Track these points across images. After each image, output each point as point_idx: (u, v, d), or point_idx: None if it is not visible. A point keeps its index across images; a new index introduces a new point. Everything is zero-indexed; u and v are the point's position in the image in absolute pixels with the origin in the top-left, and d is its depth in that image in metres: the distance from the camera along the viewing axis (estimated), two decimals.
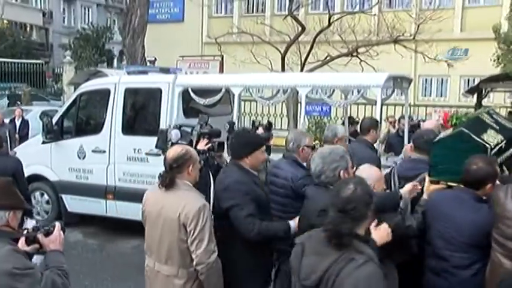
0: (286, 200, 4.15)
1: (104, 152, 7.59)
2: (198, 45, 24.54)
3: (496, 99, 16.54)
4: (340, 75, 8.23)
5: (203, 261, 3.28)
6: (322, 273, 2.33)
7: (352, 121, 8.17)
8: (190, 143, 5.00)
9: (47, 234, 2.73)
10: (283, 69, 13.48)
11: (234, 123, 6.30)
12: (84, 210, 7.80)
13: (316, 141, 12.19)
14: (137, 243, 7.52)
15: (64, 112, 8.19)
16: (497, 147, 3.53)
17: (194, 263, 3.30)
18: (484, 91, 11.87)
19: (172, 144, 5.03)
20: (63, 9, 36.34)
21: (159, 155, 6.92)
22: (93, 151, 7.66)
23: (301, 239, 2.55)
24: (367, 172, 3.52)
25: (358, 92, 6.70)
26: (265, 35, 16.72)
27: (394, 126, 10.06)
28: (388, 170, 4.35)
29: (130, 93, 7.68)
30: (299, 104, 8.93)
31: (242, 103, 10.22)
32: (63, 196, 7.96)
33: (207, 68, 16.80)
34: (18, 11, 31.27)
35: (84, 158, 7.76)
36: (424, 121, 9.57)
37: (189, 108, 7.43)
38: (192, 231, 3.26)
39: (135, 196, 7.33)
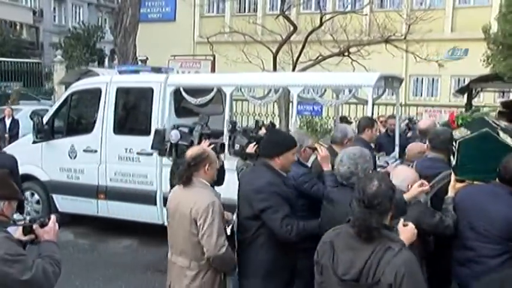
0: None
1: (96, 151, 7.57)
2: (190, 44, 24.52)
3: (486, 99, 16.67)
4: (332, 74, 8.25)
5: (213, 254, 3.46)
6: (362, 266, 2.44)
7: (345, 121, 8.17)
8: (191, 144, 5.00)
9: (42, 225, 2.88)
10: (275, 68, 13.50)
11: (235, 123, 6.29)
12: (75, 210, 7.77)
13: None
14: (129, 243, 7.52)
15: (55, 111, 8.15)
16: None
17: (205, 255, 3.48)
18: (474, 91, 11.94)
19: (171, 144, 5.01)
20: (54, 8, 36.09)
21: (151, 154, 6.93)
22: (85, 151, 7.63)
23: (328, 238, 2.65)
24: (405, 173, 3.62)
25: (350, 91, 6.72)
26: (257, 35, 16.74)
27: (384, 126, 10.10)
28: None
29: (121, 92, 7.65)
30: (291, 104, 8.95)
31: (234, 103, 10.21)
32: (54, 196, 7.92)
33: (198, 67, 16.78)
34: (7, 9, 30.99)
35: (75, 157, 7.73)
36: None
37: (180, 107, 7.42)
38: (201, 226, 3.45)
39: (127, 196, 7.36)
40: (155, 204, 7.14)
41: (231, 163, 6.65)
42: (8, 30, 30.61)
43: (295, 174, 4.17)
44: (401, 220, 2.87)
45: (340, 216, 3.18)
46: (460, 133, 4.24)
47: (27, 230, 2.85)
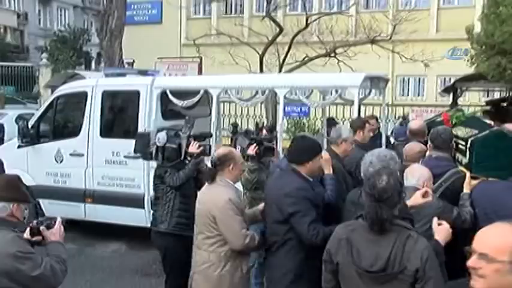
0: None
1: (82, 155, 7.52)
2: (177, 46, 24.44)
3: (471, 98, 16.84)
4: (318, 75, 8.29)
5: (239, 246, 3.71)
6: (388, 256, 2.57)
7: (332, 122, 8.19)
8: (179, 146, 4.96)
9: (49, 227, 3.07)
10: (261, 70, 13.52)
11: (237, 125, 6.29)
12: (63, 215, 7.60)
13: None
14: (116, 247, 7.48)
15: (40, 115, 8.09)
16: None
17: (231, 247, 3.72)
18: (459, 90, 12.07)
19: (158, 147, 4.97)
20: (39, 11, 35.79)
21: (138, 157, 6.90)
22: (71, 154, 7.58)
23: (343, 234, 2.74)
24: (420, 171, 3.68)
25: (336, 92, 6.76)
26: (243, 37, 16.75)
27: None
28: None
29: (108, 95, 7.62)
30: (278, 105, 8.97)
31: (221, 104, 10.20)
32: (41, 201, 7.85)
33: (185, 69, 16.72)
34: None
35: (61, 161, 7.68)
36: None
37: (167, 110, 7.40)
38: (222, 222, 3.70)
39: (115, 199, 7.32)
40: (143, 207, 7.11)
41: None
42: None
43: None
44: (435, 219, 3.02)
45: None
46: (462, 132, 4.47)
47: (35, 231, 3.00)
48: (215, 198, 3.76)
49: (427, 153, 4.52)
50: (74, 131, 7.76)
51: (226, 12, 25.88)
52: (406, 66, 16.27)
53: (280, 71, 13.42)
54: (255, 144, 5.03)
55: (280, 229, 3.67)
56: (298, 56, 13.90)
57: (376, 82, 7.33)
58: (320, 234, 3.52)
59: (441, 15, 22.33)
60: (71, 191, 7.57)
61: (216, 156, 3.90)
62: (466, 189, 3.87)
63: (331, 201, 3.98)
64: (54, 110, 8.04)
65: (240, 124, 11.46)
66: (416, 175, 3.62)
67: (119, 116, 7.92)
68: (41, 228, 3.03)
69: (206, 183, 3.93)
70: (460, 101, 12.61)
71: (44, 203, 7.84)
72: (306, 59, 13.83)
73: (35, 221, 3.07)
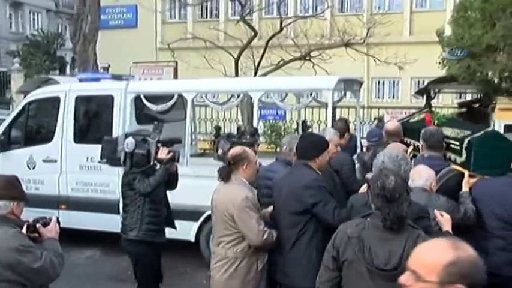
0: None
1: (55, 161, 7.43)
2: (153, 51, 24.29)
3: (444, 100, 17.13)
4: (292, 79, 8.33)
5: (258, 242, 3.82)
6: (401, 255, 2.62)
7: (304, 125, 8.23)
8: (148, 152, 4.89)
9: (45, 224, 3.26)
10: (236, 74, 13.53)
11: (220, 128, 6.29)
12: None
13: (272, 145, 12.36)
14: (91, 253, 7.39)
15: (12, 121, 7.97)
16: None
17: (251, 243, 3.84)
18: (432, 92, 12.28)
19: (126, 153, 4.89)
20: (10, 15, 35.13)
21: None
22: (44, 161, 7.48)
23: (354, 233, 2.78)
24: (428, 172, 3.83)
25: (311, 95, 6.81)
26: (218, 41, 16.74)
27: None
28: None
29: (81, 100, 7.55)
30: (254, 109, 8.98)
31: (198, 108, 10.18)
32: None
33: (161, 74, 16.61)
34: None
35: (34, 168, 7.57)
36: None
37: (142, 114, 7.35)
38: (239, 219, 3.81)
39: (89, 205, 7.24)
40: (118, 213, 7.00)
41: (194, 170, 6.68)
42: None
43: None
44: (437, 211, 3.30)
45: None
46: (451, 132, 4.72)
47: (31, 228, 3.15)
48: (232, 196, 3.87)
49: (420, 152, 4.70)
50: (47, 137, 7.66)
51: (201, 16, 25.84)
52: (381, 69, 16.45)
53: (255, 74, 13.45)
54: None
55: (299, 220, 3.81)
56: (274, 59, 13.95)
57: (350, 85, 7.41)
58: (344, 218, 3.65)
59: (414, 18, 22.69)
60: (44, 198, 7.44)
61: (230, 156, 4.02)
62: (465, 188, 4.08)
63: None
64: (26, 115, 7.92)
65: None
66: (424, 176, 3.79)
67: (93, 121, 7.84)
68: (37, 225, 3.19)
69: (221, 183, 4.02)
70: (434, 102, 12.85)
71: None
72: (281, 62, 13.88)
73: (31, 219, 3.22)
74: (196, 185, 6.53)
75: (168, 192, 5.22)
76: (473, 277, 1.65)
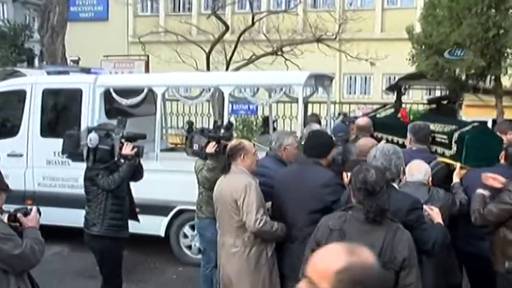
0: None
1: (21, 155, 7.26)
2: (124, 44, 23.98)
3: (414, 96, 17.37)
4: (263, 73, 8.34)
5: (254, 229, 3.89)
6: (381, 246, 2.72)
7: (268, 121, 8.25)
8: (112, 148, 4.80)
9: (26, 214, 3.29)
10: (208, 68, 13.46)
11: (192, 123, 6.22)
12: None
13: (243, 140, 12.34)
14: (58, 249, 7.26)
15: None
16: None
17: (248, 230, 3.91)
18: (403, 88, 12.45)
19: (89, 149, 4.77)
20: None
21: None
22: (9, 155, 7.30)
23: (337, 225, 2.86)
24: (425, 167, 3.99)
25: (281, 90, 6.82)
26: (190, 35, 16.61)
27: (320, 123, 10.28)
28: None
29: (48, 94, 7.38)
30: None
31: (169, 103, 10.09)
32: None
33: (132, 67, 16.39)
34: None
35: None
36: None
37: (112, 108, 7.25)
38: (241, 205, 3.90)
39: (57, 200, 7.10)
40: None
41: (164, 164, 6.63)
42: None
43: (275, 172, 4.34)
44: (425, 206, 3.39)
45: (391, 213, 3.51)
46: (436, 127, 4.95)
47: (12, 218, 3.22)
48: (235, 183, 3.97)
49: (407, 145, 4.83)
50: (12, 131, 7.47)
51: (174, 9, 25.62)
52: (353, 65, 16.59)
53: (227, 69, 13.41)
54: (214, 143, 4.95)
55: (318, 218, 3.72)
56: (246, 54, 13.93)
57: (321, 80, 7.45)
58: None
59: (385, 15, 22.96)
60: (9, 193, 7.28)
61: (228, 148, 4.16)
62: (457, 179, 4.31)
63: None
64: None
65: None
66: (423, 170, 3.94)
67: (61, 114, 7.68)
68: (18, 215, 3.25)
69: (222, 176, 4.15)
70: (404, 98, 13.02)
71: None
72: (253, 57, 13.87)
73: (11, 209, 3.29)
74: (166, 180, 6.50)
75: (137, 187, 5.17)
76: (367, 283, 1.59)
